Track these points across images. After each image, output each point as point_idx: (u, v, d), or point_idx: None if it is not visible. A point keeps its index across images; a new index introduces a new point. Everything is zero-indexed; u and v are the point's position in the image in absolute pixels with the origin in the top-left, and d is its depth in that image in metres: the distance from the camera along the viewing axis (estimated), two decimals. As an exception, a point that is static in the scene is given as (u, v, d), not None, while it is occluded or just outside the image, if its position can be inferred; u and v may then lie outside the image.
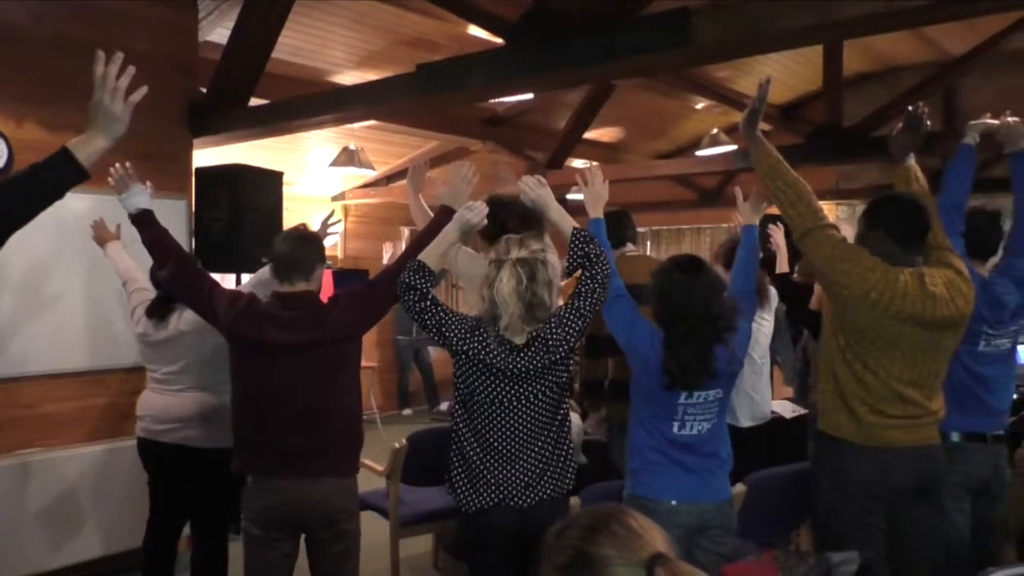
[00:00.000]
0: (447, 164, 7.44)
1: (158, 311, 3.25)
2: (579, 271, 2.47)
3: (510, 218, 2.83)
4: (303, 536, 2.68)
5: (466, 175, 2.78)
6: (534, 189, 2.57)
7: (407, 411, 8.73)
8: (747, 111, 2.58)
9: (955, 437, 2.79)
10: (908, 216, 2.50)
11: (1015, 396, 3.07)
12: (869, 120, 6.38)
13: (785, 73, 7.36)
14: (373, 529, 3.84)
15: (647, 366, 2.42)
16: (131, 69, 1.75)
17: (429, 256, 2.46)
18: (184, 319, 3.16)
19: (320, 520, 2.61)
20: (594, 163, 8.11)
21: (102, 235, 3.57)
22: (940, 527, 2.65)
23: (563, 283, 2.45)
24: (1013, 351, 2.93)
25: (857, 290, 2.40)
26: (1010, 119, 2.94)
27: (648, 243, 9.67)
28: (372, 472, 3.84)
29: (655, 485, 2.48)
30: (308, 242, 2.71)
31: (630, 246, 3.79)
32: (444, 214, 2.72)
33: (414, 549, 4.25)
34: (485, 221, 2.55)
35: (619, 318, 2.53)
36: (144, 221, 2.77)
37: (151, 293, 3.31)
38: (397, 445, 3.68)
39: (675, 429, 2.45)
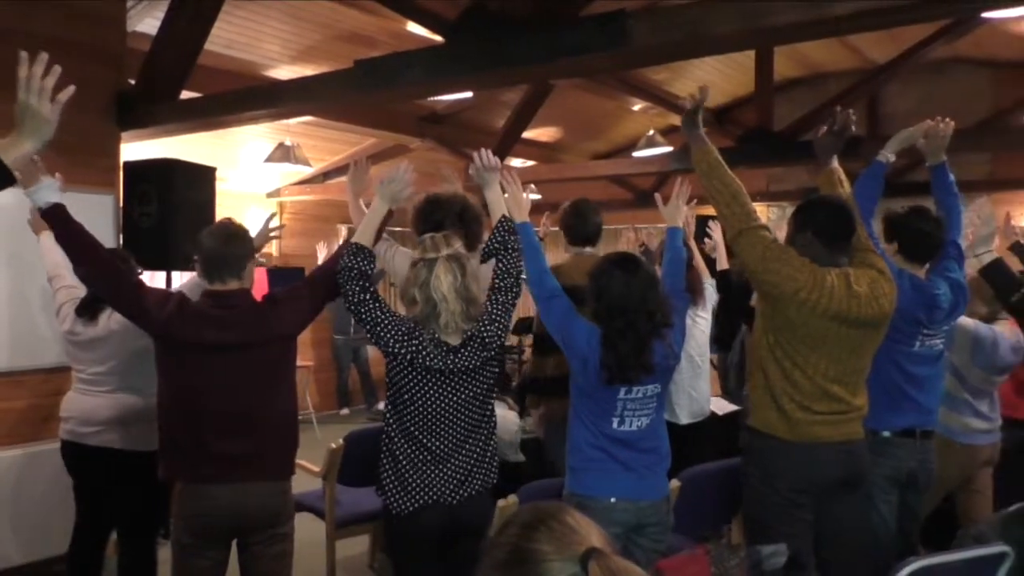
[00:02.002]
0: (385, 162, 7.38)
1: (88, 309, 3.14)
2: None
3: (447, 217, 2.82)
4: (235, 541, 2.61)
5: (402, 175, 2.66)
6: (486, 164, 2.59)
7: (344, 411, 8.64)
8: (687, 112, 2.64)
9: (886, 434, 2.88)
10: (835, 219, 2.58)
11: None
12: (798, 124, 6.58)
13: (719, 77, 7.53)
14: (309, 530, 3.78)
15: (586, 363, 2.45)
16: (56, 68, 1.68)
17: (363, 236, 2.45)
18: (115, 318, 3.06)
19: (255, 524, 2.54)
20: (519, 164, 8.16)
21: (38, 224, 3.41)
22: (865, 519, 2.74)
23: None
24: (944, 352, 3.05)
25: (787, 289, 2.47)
26: (937, 124, 3.03)
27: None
28: (308, 473, 3.79)
29: (594, 482, 2.50)
30: (236, 238, 2.61)
31: (588, 249, 3.69)
32: (387, 218, 2.70)
33: (350, 550, 4.21)
34: (410, 189, 2.54)
35: (555, 317, 2.55)
36: (56, 216, 2.48)
37: (79, 290, 3.18)
38: (334, 445, 3.64)
39: (614, 425, 2.48)
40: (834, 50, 7.22)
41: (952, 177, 3.12)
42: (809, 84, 8.16)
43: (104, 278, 2.57)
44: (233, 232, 2.62)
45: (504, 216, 2.56)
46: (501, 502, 2.70)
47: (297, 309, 2.61)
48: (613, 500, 2.47)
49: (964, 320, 3.21)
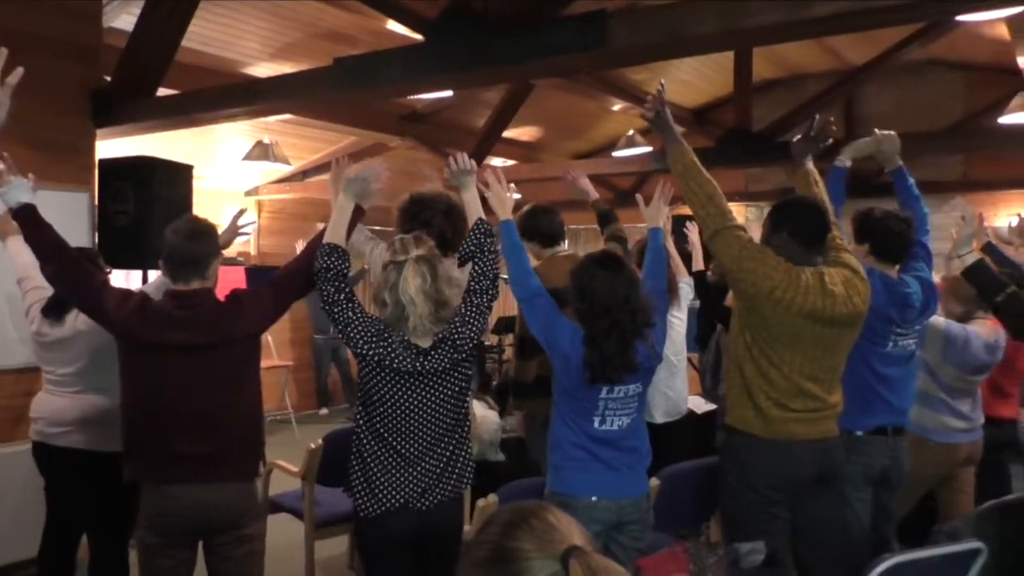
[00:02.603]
0: (365, 160, 7.35)
1: (55, 310, 3.10)
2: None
3: (434, 216, 2.81)
4: (202, 542, 2.58)
5: (368, 171, 2.61)
6: (462, 167, 2.58)
7: (324, 411, 8.60)
8: (652, 118, 2.64)
9: (859, 432, 2.91)
10: (810, 219, 2.60)
11: None
12: (776, 125, 6.63)
13: (698, 78, 7.58)
14: (287, 531, 3.77)
15: (568, 363, 2.45)
16: (3, 51, 1.66)
17: (333, 235, 2.43)
18: (82, 318, 3.02)
19: (220, 524, 2.51)
20: (499, 163, 8.16)
21: (4, 228, 3.37)
22: (840, 516, 2.77)
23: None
24: (916, 352, 3.09)
25: (762, 288, 2.49)
26: (880, 133, 3.12)
27: (566, 242, 9.77)
28: (286, 473, 3.77)
29: (575, 481, 2.51)
30: (201, 237, 2.55)
31: (562, 245, 3.74)
32: (358, 215, 2.69)
33: (329, 551, 4.19)
34: (376, 185, 2.53)
35: (539, 317, 2.55)
36: (26, 217, 2.48)
37: (48, 291, 3.14)
38: (312, 446, 3.62)
39: (596, 424, 2.49)
40: (812, 52, 7.29)
41: (912, 180, 3.19)
42: (787, 85, 8.23)
43: (69, 277, 2.54)
44: (199, 229, 2.57)
45: (480, 219, 2.54)
46: (481, 502, 2.70)
47: (261, 308, 2.57)
48: (595, 499, 2.47)
49: (936, 319, 3.25)
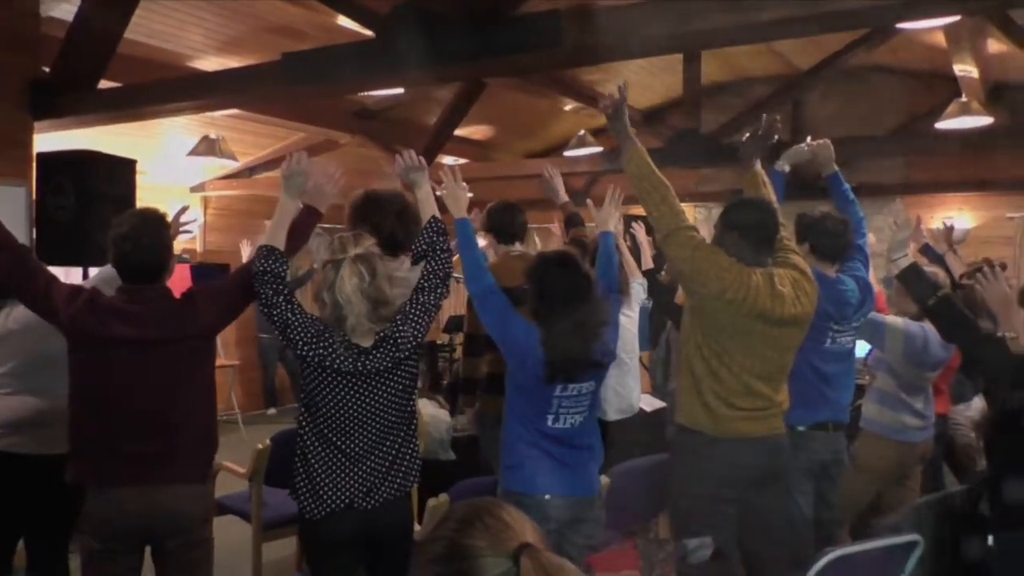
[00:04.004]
0: (314, 158, 7.25)
1: None
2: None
3: (385, 217, 2.79)
4: (148, 547, 2.50)
5: (302, 167, 2.55)
6: (409, 164, 2.56)
7: (271, 411, 8.46)
8: (609, 115, 2.66)
9: (801, 428, 2.99)
10: (760, 220, 2.65)
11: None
12: (725, 127, 6.74)
13: (648, 79, 7.67)
14: (234, 533, 3.70)
15: (524, 361, 2.45)
16: None
17: (273, 238, 2.40)
18: (13, 317, 2.92)
19: (170, 529, 2.45)
20: (451, 162, 8.15)
21: None
22: (785, 510, 2.83)
23: None
24: (854, 349, 3.19)
25: (714, 289, 2.52)
26: (813, 142, 3.25)
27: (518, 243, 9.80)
28: (233, 474, 3.70)
29: (529, 479, 2.51)
30: (154, 244, 2.48)
31: (518, 245, 3.74)
32: (307, 214, 2.65)
33: (277, 553, 4.12)
34: (312, 181, 2.51)
35: (492, 314, 2.55)
36: None
37: None
38: (260, 446, 3.56)
39: (549, 422, 2.50)
40: (760, 56, 7.42)
41: (847, 185, 3.32)
42: (736, 88, 8.37)
43: (18, 273, 2.46)
44: (150, 232, 2.49)
45: (434, 217, 2.53)
46: (432, 501, 2.69)
47: (216, 308, 2.52)
48: (548, 497, 2.49)
49: (893, 319, 3.34)
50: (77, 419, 2.47)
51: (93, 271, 4.05)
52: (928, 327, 3.34)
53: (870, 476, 3.40)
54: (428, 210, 2.56)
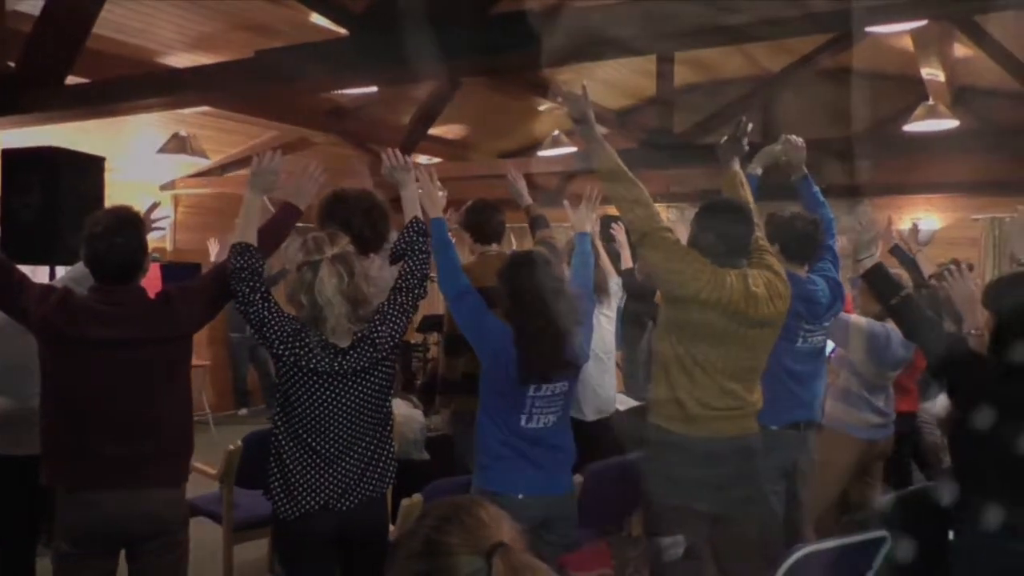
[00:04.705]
0: (288, 156, 7.19)
1: None
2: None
3: (354, 215, 2.77)
4: (123, 550, 2.47)
5: (269, 164, 2.53)
6: (397, 164, 2.55)
7: (243, 411, 8.38)
8: (576, 120, 2.63)
9: (774, 428, 3.01)
10: (734, 221, 2.67)
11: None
12: (697, 128, 6.79)
13: (621, 80, 7.69)
14: (205, 535, 3.66)
15: (498, 361, 2.46)
16: None
17: (244, 235, 2.38)
18: None
19: (147, 532, 2.41)
20: (425, 161, 8.13)
21: None
22: (757, 509, 2.85)
23: None
24: (824, 348, 3.23)
25: (689, 290, 2.53)
26: (791, 138, 3.27)
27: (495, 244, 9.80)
28: (204, 476, 3.66)
29: (502, 479, 2.52)
30: (129, 246, 2.44)
31: (494, 246, 3.73)
32: (286, 212, 2.63)
33: (249, 554, 4.09)
34: (277, 177, 2.49)
35: (466, 314, 2.55)
36: None
37: None
38: (231, 447, 3.53)
39: (523, 422, 2.51)
40: (732, 57, 7.48)
41: (816, 188, 3.36)
42: (708, 89, 8.42)
43: None
44: (125, 235, 2.44)
45: (415, 218, 2.52)
46: (405, 501, 2.68)
47: (193, 308, 2.49)
48: (521, 496, 2.50)
49: (857, 319, 3.39)
50: (50, 421, 2.42)
51: (61, 270, 3.99)
52: (891, 327, 3.39)
53: (834, 473, 3.45)
54: (411, 210, 2.55)
